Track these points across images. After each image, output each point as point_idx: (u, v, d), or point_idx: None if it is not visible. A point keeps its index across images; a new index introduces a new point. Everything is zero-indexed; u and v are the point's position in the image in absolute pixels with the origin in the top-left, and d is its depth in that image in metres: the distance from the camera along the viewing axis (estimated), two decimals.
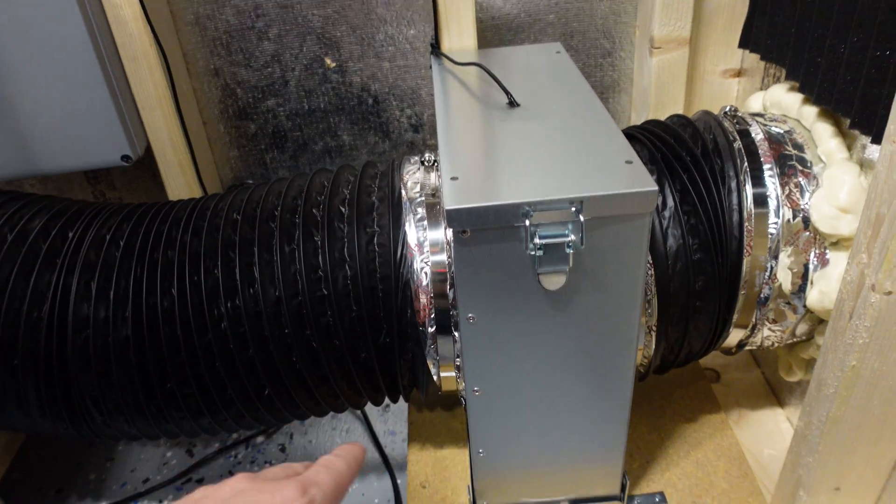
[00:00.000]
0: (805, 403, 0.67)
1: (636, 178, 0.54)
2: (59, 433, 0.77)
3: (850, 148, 0.70)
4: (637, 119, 0.99)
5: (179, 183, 0.96)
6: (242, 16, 0.94)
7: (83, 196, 1.08)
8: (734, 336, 0.76)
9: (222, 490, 0.43)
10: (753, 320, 0.73)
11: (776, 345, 0.77)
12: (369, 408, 0.99)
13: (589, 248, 0.55)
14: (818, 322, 0.73)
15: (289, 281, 0.67)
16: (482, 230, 0.54)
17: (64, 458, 0.98)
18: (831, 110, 0.68)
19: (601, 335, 0.61)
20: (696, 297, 0.69)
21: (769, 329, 0.74)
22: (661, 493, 0.79)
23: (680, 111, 0.94)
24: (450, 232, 0.58)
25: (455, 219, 0.52)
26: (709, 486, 0.80)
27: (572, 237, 0.54)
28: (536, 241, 0.53)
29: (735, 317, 0.73)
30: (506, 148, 0.61)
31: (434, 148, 1.04)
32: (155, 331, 0.69)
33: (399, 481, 0.88)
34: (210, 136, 1.03)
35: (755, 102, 0.83)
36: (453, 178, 0.56)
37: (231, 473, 0.92)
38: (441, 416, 0.89)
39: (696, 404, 0.90)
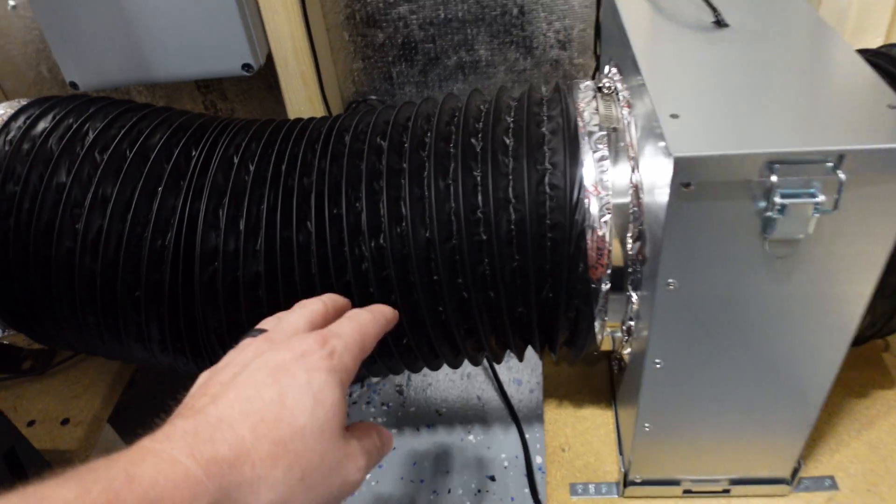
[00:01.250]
0: None
1: None
2: (178, 368, 0.72)
3: None
4: None
5: (300, 97, 0.87)
6: None
7: (193, 107, 1.01)
8: None
9: (244, 354, 0.42)
10: None
11: None
12: None
13: (842, 209, 0.45)
14: None
15: (443, 221, 0.59)
16: (709, 184, 0.44)
17: (172, 383, 0.94)
18: None
19: (820, 310, 0.51)
20: None
21: None
22: (832, 478, 0.70)
23: (882, 38, 0.80)
24: (653, 178, 0.48)
25: (684, 169, 0.43)
26: (884, 472, 0.70)
27: (821, 198, 0.43)
28: (777, 199, 0.43)
29: None
30: (727, 80, 0.50)
31: (582, 69, 0.93)
32: (289, 268, 0.62)
33: (527, 436, 0.82)
34: (333, 44, 0.93)
35: None
36: (674, 116, 0.46)
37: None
38: (579, 371, 0.81)
39: (866, 377, 0.80)
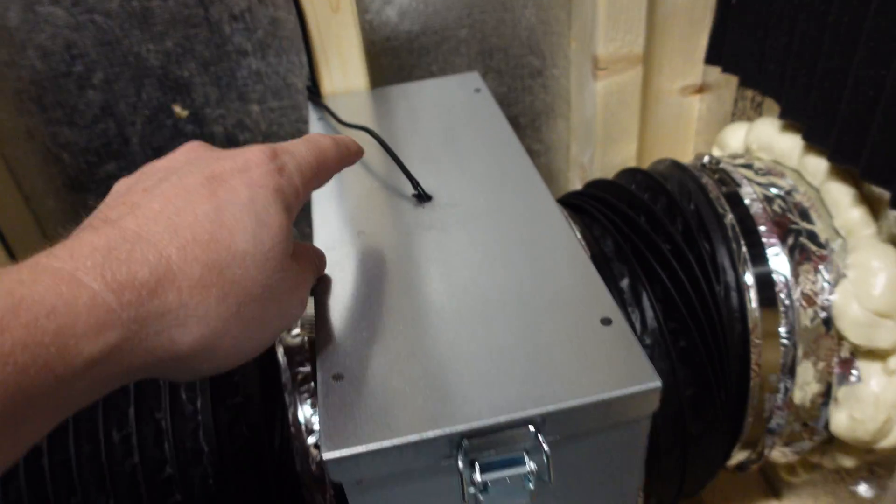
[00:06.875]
0: None
1: (625, 362, 0.35)
2: None
3: (876, 216, 0.52)
4: (579, 152, 0.80)
5: None
6: (52, 59, 0.70)
7: None
8: (736, 459, 0.59)
9: (173, 157, 0.34)
10: (760, 448, 0.56)
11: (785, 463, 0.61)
12: None
13: (560, 469, 0.36)
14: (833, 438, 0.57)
15: (122, 489, 0.46)
16: (389, 475, 0.34)
17: None
18: (859, 174, 0.49)
19: None
20: (692, 443, 0.51)
21: (779, 451, 0.57)
22: None
23: (634, 143, 0.75)
24: None
25: (338, 472, 0.32)
26: None
27: (532, 467, 0.34)
28: (477, 478, 0.34)
29: (738, 445, 0.56)
30: (412, 305, 0.40)
31: None
32: None
33: None
34: (39, 213, 0.79)
35: (734, 139, 0.65)
36: (336, 378, 0.35)
37: None
38: None
39: None
